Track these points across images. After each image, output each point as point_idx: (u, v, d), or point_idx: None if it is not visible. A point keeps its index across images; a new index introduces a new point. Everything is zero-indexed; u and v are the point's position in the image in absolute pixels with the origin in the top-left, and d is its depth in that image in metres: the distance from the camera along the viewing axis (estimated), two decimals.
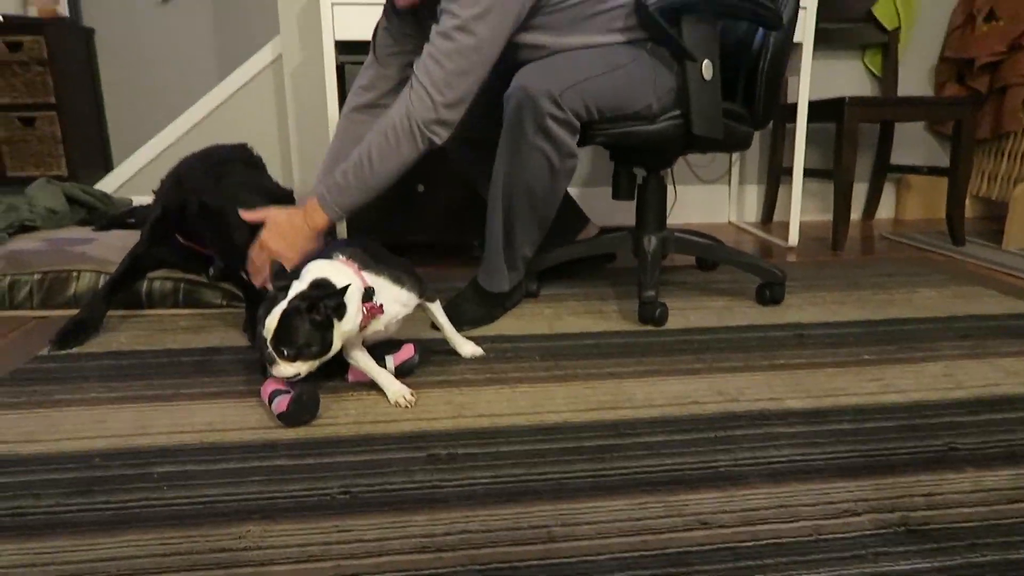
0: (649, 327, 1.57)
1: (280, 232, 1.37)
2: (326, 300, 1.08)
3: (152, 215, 1.64)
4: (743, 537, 0.82)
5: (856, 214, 3.07)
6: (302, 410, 1.11)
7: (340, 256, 1.17)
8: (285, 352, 1.08)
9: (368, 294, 1.15)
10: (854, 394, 1.21)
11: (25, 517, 0.87)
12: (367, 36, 2.12)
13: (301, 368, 1.10)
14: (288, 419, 1.10)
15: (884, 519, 0.85)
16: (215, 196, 1.46)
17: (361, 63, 2.15)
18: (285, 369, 1.10)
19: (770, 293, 1.73)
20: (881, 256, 2.31)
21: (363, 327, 1.16)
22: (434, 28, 1.37)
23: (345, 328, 1.11)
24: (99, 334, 1.54)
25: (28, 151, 3.43)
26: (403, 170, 1.40)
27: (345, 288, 1.09)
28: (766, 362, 1.35)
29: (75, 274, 1.72)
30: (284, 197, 1.53)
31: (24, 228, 2.12)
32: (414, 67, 1.37)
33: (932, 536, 0.82)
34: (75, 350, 1.45)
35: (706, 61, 1.49)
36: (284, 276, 1.15)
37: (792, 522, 0.85)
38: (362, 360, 1.21)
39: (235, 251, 1.42)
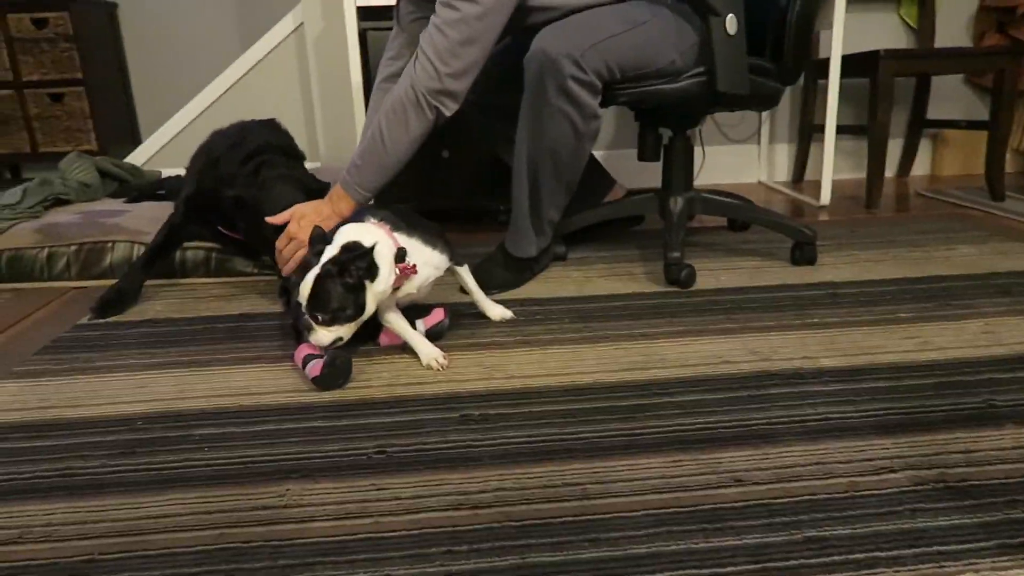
0: (678, 288, 1.56)
1: (308, 222, 1.35)
2: (356, 262, 1.09)
3: (185, 190, 1.66)
4: (777, 494, 0.82)
5: (891, 171, 3.00)
6: (336, 374, 1.12)
7: (371, 219, 1.18)
8: (320, 318, 1.09)
9: (401, 254, 1.15)
10: (890, 352, 1.19)
11: (74, 477, 0.89)
12: (390, 1, 2.10)
13: (340, 332, 1.12)
14: (322, 383, 1.12)
15: (921, 476, 0.84)
16: (251, 189, 1.48)
17: (383, 29, 2.14)
18: (323, 336, 1.11)
19: (801, 253, 1.70)
20: (917, 213, 2.26)
21: (396, 288, 1.17)
22: (439, 1, 1.35)
23: (378, 289, 1.12)
24: (137, 303, 1.57)
25: (58, 127, 3.48)
26: (416, 143, 1.39)
27: (373, 247, 1.10)
28: (799, 321, 1.33)
29: (110, 245, 1.75)
30: (319, 191, 1.53)
31: (58, 202, 2.15)
32: (420, 37, 1.36)
33: (971, 492, 0.81)
34: (113, 318, 1.48)
35: (730, 15, 1.45)
36: (320, 241, 1.16)
37: (827, 479, 0.84)
38: (396, 322, 1.22)
39: (268, 243, 1.42)
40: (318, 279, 1.09)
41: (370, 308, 1.13)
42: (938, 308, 1.38)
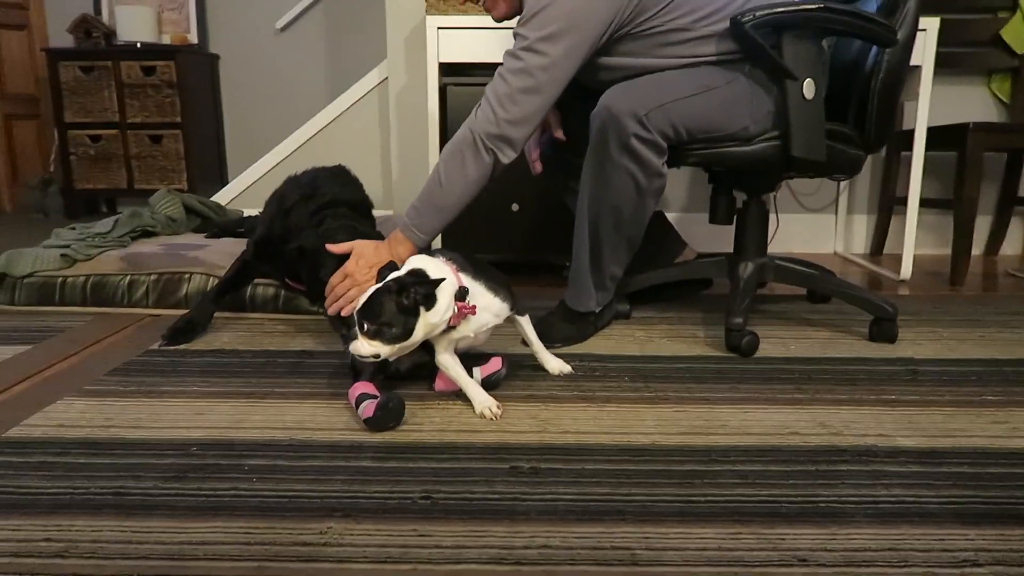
0: (739, 355, 1.49)
1: (366, 261, 1.36)
2: (417, 287, 1.10)
3: (257, 233, 1.71)
4: None
5: (977, 249, 2.86)
6: (388, 416, 1.11)
7: (441, 257, 1.20)
8: (366, 327, 1.10)
9: (462, 293, 1.16)
10: (975, 436, 1.10)
11: (126, 497, 0.91)
12: (470, 59, 2.17)
13: (381, 350, 1.12)
14: (374, 424, 1.11)
15: (1010, 573, 0.76)
16: (312, 240, 1.48)
17: (463, 85, 2.21)
18: (364, 347, 1.11)
19: (880, 330, 1.60)
20: (1006, 294, 2.13)
21: (452, 325, 1.17)
22: (506, 50, 1.39)
23: (431, 320, 1.12)
24: (205, 333, 1.62)
25: (155, 166, 3.70)
26: (472, 187, 1.39)
27: (439, 280, 1.11)
28: (874, 397, 1.26)
29: (187, 276, 1.82)
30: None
31: (145, 233, 2.26)
32: (487, 87, 1.39)
33: None
34: (183, 347, 1.52)
35: (808, 79, 1.43)
36: (389, 269, 1.19)
37: (902, 567, 0.77)
38: (452, 367, 1.21)
39: (323, 289, 1.42)
40: (377, 291, 1.12)
41: (417, 336, 1.13)
42: None
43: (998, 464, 1.01)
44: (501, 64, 1.39)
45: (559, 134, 1.71)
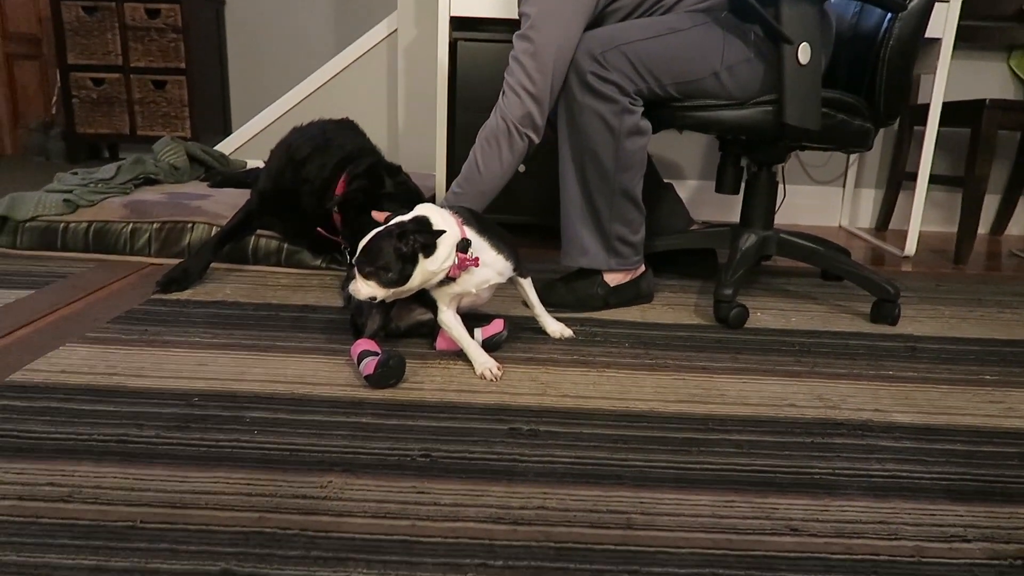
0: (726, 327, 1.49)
1: None
2: (417, 235, 1.11)
3: (261, 184, 1.70)
4: (836, 549, 0.77)
5: (984, 228, 2.85)
6: (388, 374, 1.12)
7: (449, 210, 1.21)
8: (365, 268, 1.12)
9: (464, 245, 1.16)
10: (970, 414, 1.11)
11: (128, 444, 0.92)
12: (483, 13, 2.13)
13: (377, 292, 1.14)
14: (374, 381, 1.12)
15: (998, 550, 0.78)
16: (382, 188, 1.53)
17: (474, 40, 2.17)
18: (361, 287, 1.14)
19: (880, 311, 1.57)
20: (1010, 274, 2.13)
21: (453, 277, 1.17)
22: (515, 34, 1.43)
23: (430, 268, 1.13)
24: (203, 283, 1.62)
25: (158, 112, 3.66)
26: (509, 171, 1.47)
27: (440, 232, 1.12)
28: (873, 372, 1.27)
29: (190, 225, 1.81)
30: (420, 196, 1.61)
31: (148, 181, 2.25)
32: (505, 74, 1.44)
33: None
34: (184, 296, 1.53)
35: (803, 44, 1.39)
36: (396, 214, 1.20)
37: (892, 540, 0.79)
38: (453, 326, 1.21)
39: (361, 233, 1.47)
40: (377, 235, 1.13)
41: (414, 282, 1.14)
42: None
43: (991, 443, 1.02)
44: (512, 48, 1.44)
45: None
